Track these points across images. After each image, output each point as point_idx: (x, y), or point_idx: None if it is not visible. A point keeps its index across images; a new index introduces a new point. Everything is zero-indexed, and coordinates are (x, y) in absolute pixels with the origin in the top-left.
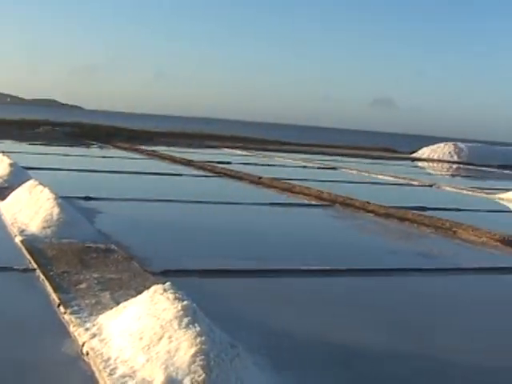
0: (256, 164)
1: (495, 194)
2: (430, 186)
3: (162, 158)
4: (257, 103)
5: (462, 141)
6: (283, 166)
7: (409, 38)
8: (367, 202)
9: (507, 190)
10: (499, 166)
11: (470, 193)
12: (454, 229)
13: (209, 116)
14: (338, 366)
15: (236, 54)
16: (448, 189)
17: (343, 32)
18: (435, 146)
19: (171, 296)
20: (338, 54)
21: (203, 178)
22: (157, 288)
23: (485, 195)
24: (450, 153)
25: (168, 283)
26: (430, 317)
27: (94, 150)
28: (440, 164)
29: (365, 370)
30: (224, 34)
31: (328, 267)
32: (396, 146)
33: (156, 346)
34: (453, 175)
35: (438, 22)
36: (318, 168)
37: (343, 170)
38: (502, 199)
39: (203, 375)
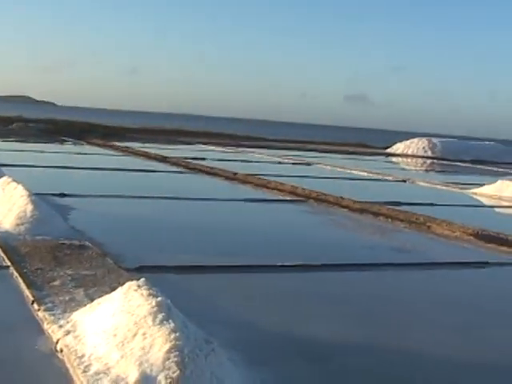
0: (231, 160)
1: (469, 188)
2: (404, 181)
3: (137, 154)
4: (232, 100)
5: (436, 136)
6: (258, 161)
7: (384, 34)
8: (341, 197)
9: (480, 184)
10: (472, 161)
11: (443, 188)
12: (428, 223)
13: (184, 112)
14: (311, 359)
15: (212, 51)
16: (422, 184)
17: (318, 28)
18: (409, 141)
19: (145, 292)
20: (314, 51)
21: (178, 174)
22: (131, 284)
23: (458, 190)
24: (423, 148)
25: (142, 279)
26: (400, 310)
27: (69, 147)
28: (414, 159)
29: (335, 363)
30: (201, 29)
31: (302, 262)
32: (370, 142)
33: (130, 342)
34: (427, 170)
35: (413, 19)
36: (293, 164)
37: (318, 165)
38: (476, 194)
39: (177, 371)
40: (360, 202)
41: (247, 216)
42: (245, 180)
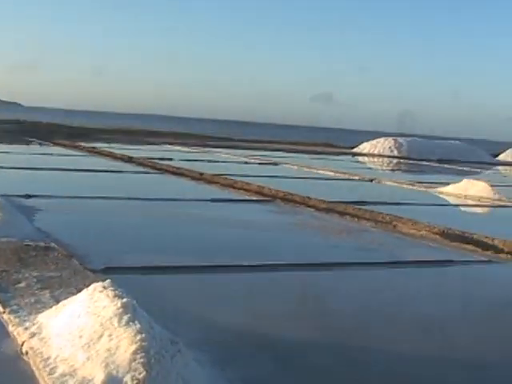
0: (197, 160)
1: (434, 187)
2: (371, 180)
3: (103, 154)
4: (198, 99)
5: (402, 135)
6: (225, 161)
7: (351, 34)
8: (308, 197)
9: (446, 183)
10: (438, 161)
11: (409, 187)
12: (394, 222)
13: (150, 113)
14: (277, 358)
15: (178, 50)
16: (388, 183)
17: (283, 29)
18: (375, 140)
19: (111, 293)
20: (278, 50)
21: (144, 174)
22: (96, 286)
23: (424, 189)
24: (390, 147)
25: (108, 281)
26: (362, 308)
27: (34, 148)
28: (380, 159)
29: (300, 361)
30: (166, 29)
31: (269, 262)
32: (337, 142)
33: (96, 344)
34: (393, 170)
35: (382, 20)
36: (260, 164)
37: (284, 165)
38: (442, 193)
39: (144, 373)
40: (327, 201)
41: (213, 216)
42: (211, 180)
